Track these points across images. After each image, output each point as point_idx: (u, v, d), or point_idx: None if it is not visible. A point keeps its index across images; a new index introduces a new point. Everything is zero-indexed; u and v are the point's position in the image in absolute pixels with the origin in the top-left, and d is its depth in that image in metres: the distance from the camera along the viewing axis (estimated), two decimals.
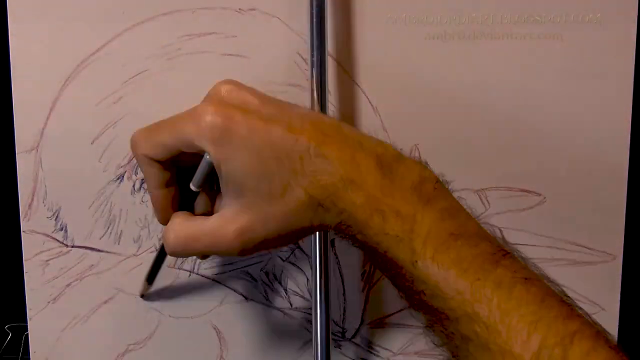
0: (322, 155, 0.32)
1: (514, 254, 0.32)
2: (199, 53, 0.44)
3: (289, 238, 0.34)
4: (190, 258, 0.46)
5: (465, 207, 0.34)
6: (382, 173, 0.32)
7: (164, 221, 0.37)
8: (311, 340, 0.47)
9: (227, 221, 0.33)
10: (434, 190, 0.33)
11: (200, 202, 0.37)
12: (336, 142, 0.33)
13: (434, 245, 0.31)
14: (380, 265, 0.33)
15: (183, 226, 0.35)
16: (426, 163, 0.34)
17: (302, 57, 0.44)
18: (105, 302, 0.46)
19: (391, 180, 0.32)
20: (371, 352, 0.47)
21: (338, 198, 0.32)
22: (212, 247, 0.34)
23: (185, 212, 0.37)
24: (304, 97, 0.44)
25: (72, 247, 0.46)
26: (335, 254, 0.46)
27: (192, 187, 0.36)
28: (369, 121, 0.45)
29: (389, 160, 0.33)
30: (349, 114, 0.45)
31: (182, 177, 0.37)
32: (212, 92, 0.35)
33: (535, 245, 0.45)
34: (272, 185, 0.32)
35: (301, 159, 0.32)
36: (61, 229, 0.46)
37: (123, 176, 0.45)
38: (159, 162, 0.35)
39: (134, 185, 0.45)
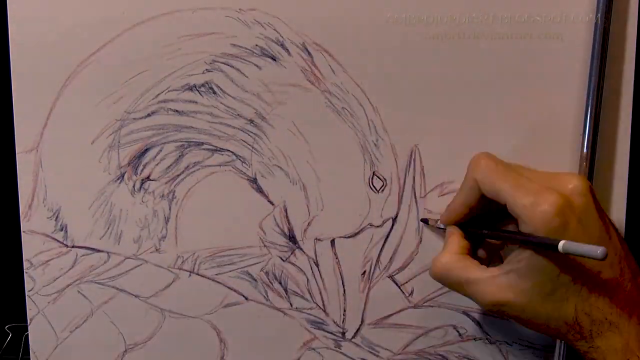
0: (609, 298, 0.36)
1: None
2: (199, 53, 0.44)
3: (533, 328, 0.38)
4: (190, 258, 0.46)
5: None
6: None
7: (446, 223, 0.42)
8: (311, 340, 0.47)
9: (497, 289, 0.37)
10: None
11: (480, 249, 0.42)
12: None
13: None
14: None
15: (451, 265, 0.40)
16: None
17: (302, 57, 0.44)
18: (105, 302, 0.46)
19: None
20: (371, 352, 0.47)
21: (599, 335, 0.35)
22: (468, 294, 0.39)
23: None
24: (304, 98, 0.44)
25: (72, 247, 0.46)
26: (335, 253, 0.46)
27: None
28: (369, 121, 0.44)
29: None
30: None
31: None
32: (569, 187, 0.37)
33: None
34: (555, 292, 0.36)
35: (590, 289, 0.36)
36: (61, 229, 0.46)
37: (123, 176, 0.45)
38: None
39: (134, 186, 0.45)
